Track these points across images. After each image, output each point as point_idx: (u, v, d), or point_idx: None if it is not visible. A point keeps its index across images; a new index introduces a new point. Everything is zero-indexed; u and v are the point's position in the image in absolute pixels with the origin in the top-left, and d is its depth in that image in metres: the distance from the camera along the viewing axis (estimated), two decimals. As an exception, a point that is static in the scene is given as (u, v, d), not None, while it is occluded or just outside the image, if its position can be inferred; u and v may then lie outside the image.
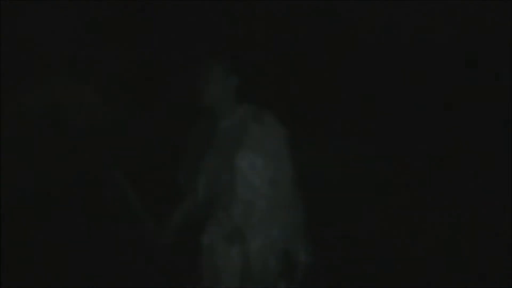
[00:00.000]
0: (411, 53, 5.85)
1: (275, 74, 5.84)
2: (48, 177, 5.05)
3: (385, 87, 5.85)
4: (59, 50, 5.88)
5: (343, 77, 5.91)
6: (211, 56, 2.63)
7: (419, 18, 5.91)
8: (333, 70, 5.92)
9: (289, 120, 2.71)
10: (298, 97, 5.79)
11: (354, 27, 5.97)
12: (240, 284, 2.60)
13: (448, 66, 5.79)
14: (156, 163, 4.95)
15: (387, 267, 4.01)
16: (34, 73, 5.82)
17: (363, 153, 5.37)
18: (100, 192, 4.56)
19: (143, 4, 6.01)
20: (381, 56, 5.89)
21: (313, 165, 4.50)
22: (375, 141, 5.46)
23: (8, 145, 5.30)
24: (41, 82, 5.81)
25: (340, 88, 5.87)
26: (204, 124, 2.74)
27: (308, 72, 5.90)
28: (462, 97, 5.67)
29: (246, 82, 2.66)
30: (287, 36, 6.00)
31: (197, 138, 2.74)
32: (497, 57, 5.64)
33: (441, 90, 5.75)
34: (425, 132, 5.59)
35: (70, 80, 5.88)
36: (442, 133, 5.50)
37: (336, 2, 6.00)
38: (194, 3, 6.02)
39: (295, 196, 2.64)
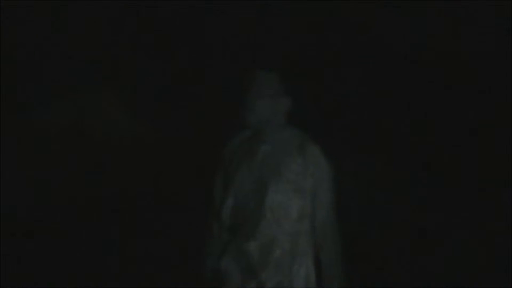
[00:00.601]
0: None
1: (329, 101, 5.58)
2: (73, 191, 5.00)
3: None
4: (86, 63, 5.81)
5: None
6: (269, 72, 2.43)
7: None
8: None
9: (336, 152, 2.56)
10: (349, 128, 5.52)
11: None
12: None
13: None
14: (182, 179, 4.90)
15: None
16: (60, 86, 5.74)
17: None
18: (125, 206, 4.70)
19: (176, 15, 5.88)
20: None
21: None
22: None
23: (32, 158, 5.28)
24: (67, 95, 5.77)
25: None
26: (242, 144, 2.53)
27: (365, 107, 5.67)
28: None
29: (298, 106, 2.46)
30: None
31: (231, 157, 2.54)
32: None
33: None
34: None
35: (96, 94, 5.85)
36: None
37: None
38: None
39: (328, 237, 2.44)
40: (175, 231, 4.39)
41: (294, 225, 2.40)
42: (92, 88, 5.82)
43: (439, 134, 5.38)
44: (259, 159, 2.43)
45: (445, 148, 5.29)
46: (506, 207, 4.57)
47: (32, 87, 5.71)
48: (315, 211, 2.41)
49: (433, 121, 5.47)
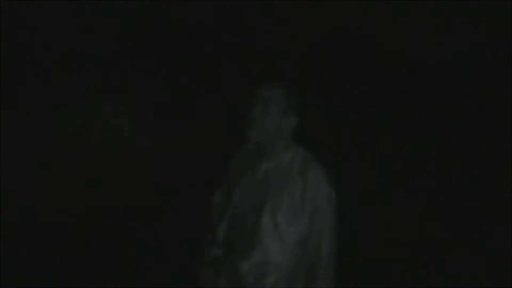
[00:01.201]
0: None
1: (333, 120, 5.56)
2: (78, 199, 5.00)
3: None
4: (92, 69, 5.82)
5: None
6: (277, 87, 2.34)
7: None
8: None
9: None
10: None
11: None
12: None
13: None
14: (184, 190, 4.87)
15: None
16: (66, 93, 5.74)
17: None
18: (126, 216, 4.68)
19: (183, 24, 5.87)
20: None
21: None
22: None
23: (33, 167, 5.26)
24: (69, 104, 5.77)
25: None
26: (246, 158, 2.47)
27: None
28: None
29: (303, 124, 2.40)
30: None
31: (235, 169, 2.49)
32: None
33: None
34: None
35: (102, 101, 5.84)
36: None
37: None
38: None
39: (326, 263, 2.37)
40: (176, 242, 4.37)
41: (291, 250, 2.35)
42: (94, 98, 5.81)
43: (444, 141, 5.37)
44: (260, 177, 2.37)
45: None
46: (506, 209, 4.59)
47: (34, 96, 5.68)
48: (310, 237, 2.34)
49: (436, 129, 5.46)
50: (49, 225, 4.66)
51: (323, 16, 5.72)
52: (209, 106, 5.62)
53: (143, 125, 5.75)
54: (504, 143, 5.11)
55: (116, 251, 4.39)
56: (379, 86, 5.59)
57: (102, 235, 4.56)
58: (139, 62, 5.88)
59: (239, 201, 2.40)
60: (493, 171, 4.99)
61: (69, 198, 4.99)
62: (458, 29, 5.60)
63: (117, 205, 4.88)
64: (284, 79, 2.42)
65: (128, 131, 5.75)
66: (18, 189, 4.99)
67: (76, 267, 4.24)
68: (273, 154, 2.37)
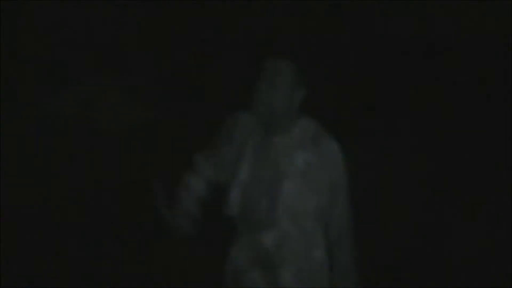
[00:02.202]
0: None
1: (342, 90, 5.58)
2: (80, 179, 5.00)
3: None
4: (92, 49, 5.83)
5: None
6: (284, 60, 2.26)
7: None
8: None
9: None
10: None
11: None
12: None
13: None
14: (186, 168, 4.91)
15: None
16: (67, 73, 5.78)
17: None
18: (132, 195, 4.57)
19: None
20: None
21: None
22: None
23: (38, 145, 5.28)
24: (74, 82, 5.79)
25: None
26: (255, 130, 2.36)
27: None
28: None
29: (312, 97, 2.34)
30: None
31: (240, 147, 2.38)
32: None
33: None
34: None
35: (102, 80, 5.85)
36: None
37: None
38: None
39: (344, 231, 2.38)
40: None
41: (310, 221, 2.32)
42: (95, 78, 5.82)
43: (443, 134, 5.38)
44: (273, 152, 2.30)
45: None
46: (507, 207, 4.56)
47: (35, 77, 5.72)
48: (330, 207, 2.33)
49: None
50: (50, 208, 4.65)
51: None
52: (210, 84, 5.60)
53: (144, 104, 5.74)
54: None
55: (118, 229, 4.40)
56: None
57: (103, 215, 4.56)
58: (139, 41, 5.88)
59: (252, 177, 2.33)
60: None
61: (70, 178, 4.99)
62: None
63: (119, 183, 4.89)
64: (286, 55, 2.31)
65: (128, 110, 5.74)
66: (19, 172, 5.00)
67: (76, 246, 4.24)
68: (282, 127, 2.30)
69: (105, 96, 5.79)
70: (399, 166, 5.05)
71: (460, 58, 5.64)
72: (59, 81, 5.72)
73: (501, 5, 5.58)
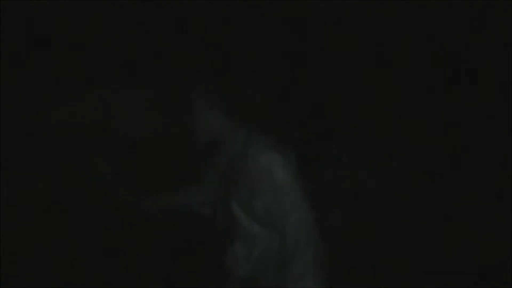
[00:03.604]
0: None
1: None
2: (97, 185, 4.71)
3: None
4: (111, 56, 5.85)
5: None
6: (203, 88, 2.44)
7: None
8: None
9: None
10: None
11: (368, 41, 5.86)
12: None
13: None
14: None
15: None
16: (85, 80, 5.75)
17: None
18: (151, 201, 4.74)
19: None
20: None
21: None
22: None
23: (55, 151, 5.22)
24: (91, 88, 5.71)
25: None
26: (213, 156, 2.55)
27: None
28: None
29: (238, 107, 2.41)
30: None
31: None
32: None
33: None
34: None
35: (121, 87, 5.79)
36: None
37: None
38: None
39: (301, 237, 2.34)
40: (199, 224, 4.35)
41: (265, 229, 2.39)
42: (114, 84, 5.76)
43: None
44: (221, 168, 2.48)
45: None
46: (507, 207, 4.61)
47: (52, 83, 5.73)
48: (279, 207, 2.35)
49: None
50: (66, 212, 4.66)
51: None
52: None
53: (161, 111, 5.66)
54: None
55: (133, 238, 4.43)
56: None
57: (119, 220, 4.47)
58: (155, 48, 5.91)
59: (217, 192, 2.51)
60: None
61: (87, 184, 4.93)
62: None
63: (134, 188, 4.78)
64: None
65: (150, 117, 5.73)
66: (35, 176, 5.01)
67: (87, 251, 4.27)
68: (227, 147, 2.46)
69: (123, 103, 5.77)
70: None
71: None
72: (75, 88, 5.74)
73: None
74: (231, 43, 5.78)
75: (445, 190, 4.99)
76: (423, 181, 5.11)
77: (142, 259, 4.20)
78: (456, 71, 5.67)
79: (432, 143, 5.41)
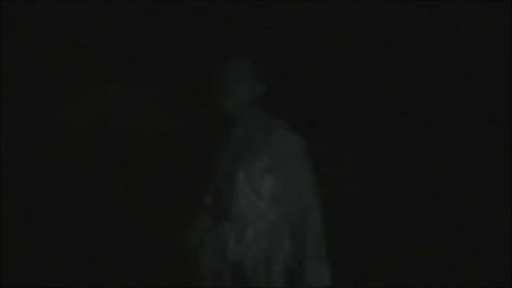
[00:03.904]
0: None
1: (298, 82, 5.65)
2: (98, 183, 5.02)
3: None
4: (112, 56, 5.89)
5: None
6: (244, 58, 2.42)
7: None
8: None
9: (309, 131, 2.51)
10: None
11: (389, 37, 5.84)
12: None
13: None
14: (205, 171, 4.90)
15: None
16: (86, 79, 5.81)
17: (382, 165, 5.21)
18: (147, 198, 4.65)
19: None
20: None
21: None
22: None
23: (58, 150, 5.30)
24: (93, 87, 5.81)
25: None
26: (222, 131, 2.53)
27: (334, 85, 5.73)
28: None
29: (270, 90, 2.45)
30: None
31: (217, 144, 2.55)
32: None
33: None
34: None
35: (122, 86, 5.88)
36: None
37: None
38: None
39: (307, 217, 2.37)
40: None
41: (269, 206, 2.38)
42: (114, 83, 5.85)
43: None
44: (232, 142, 2.45)
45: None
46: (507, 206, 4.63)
47: (55, 82, 5.74)
48: (288, 191, 2.37)
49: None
50: (69, 208, 4.68)
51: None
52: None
53: (163, 109, 5.79)
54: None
55: (139, 232, 4.42)
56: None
57: (123, 218, 4.59)
58: (157, 47, 5.91)
59: (218, 170, 2.48)
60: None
61: (90, 182, 5.04)
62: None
63: (138, 187, 4.91)
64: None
65: (148, 115, 5.79)
66: (38, 175, 5.04)
67: (92, 248, 4.25)
68: (242, 119, 2.45)
69: (125, 100, 5.84)
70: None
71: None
72: (79, 86, 5.78)
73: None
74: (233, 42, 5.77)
75: (445, 190, 5.02)
76: (423, 181, 5.14)
77: (140, 258, 4.17)
78: (456, 72, 5.67)
79: (433, 142, 5.43)
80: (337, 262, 2.46)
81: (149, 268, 3.95)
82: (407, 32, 5.78)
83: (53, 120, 5.61)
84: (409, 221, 4.60)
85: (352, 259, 3.91)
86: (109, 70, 5.86)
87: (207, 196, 2.57)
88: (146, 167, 5.15)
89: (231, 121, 2.46)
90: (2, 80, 5.55)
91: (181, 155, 5.20)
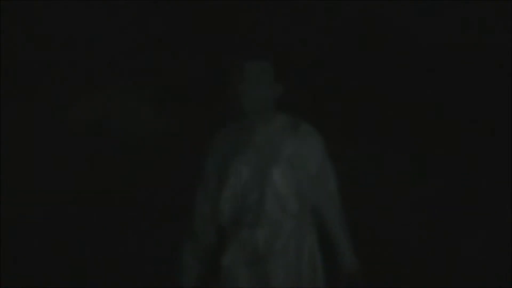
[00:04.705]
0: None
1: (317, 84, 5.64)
2: (95, 188, 4.97)
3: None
4: (110, 60, 5.83)
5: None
6: (260, 59, 2.40)
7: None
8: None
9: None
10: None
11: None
12: None
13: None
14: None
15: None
16: (84, 83, 5.76)
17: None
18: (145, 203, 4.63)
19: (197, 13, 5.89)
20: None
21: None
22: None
23: (56, 154, 5.26)
24: (90, 92, 5.77)
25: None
26: (235, 133, 2.48)
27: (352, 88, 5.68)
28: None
29: (288, 91, 2.45)
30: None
31: (223, 147, 2.48)
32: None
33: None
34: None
35: (119, 91, 5.85)
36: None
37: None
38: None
39: (332, 216, 2.44)
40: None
41: (297, 206, 2.38)
42: (112, 86, 5.83)
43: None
44: (254, 148, 2.40)
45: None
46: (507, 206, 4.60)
47: (52, 85, 5.71)
48: (314, 189, 2.39)
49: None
50: (67, 214, 4.65)
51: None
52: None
53: (162, 112, 5.76)
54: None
55: (136, 237, 4.41)
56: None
57: (121, 223, 4.55)
58: (156, 48, 5.89)
59: (239, 175, 2.41)
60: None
61: (88, 186, 5.00)
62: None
63: (136, 192, 4.90)
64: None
65: (147, 118, 5.76)
66: (37, 179, 5.01)
67: (88, 254, 4.25)
68: (262, 123, 2.42)
69: (122, 105, 5.82)
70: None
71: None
72: (76, 88, 5.75)
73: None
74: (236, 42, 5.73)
75: (445, 190, 4.97)
76: (423, 180, 5.10)
77: (145, 257, 4.24)
78: (456, 72, 5.67)
79: (433, 142, 5.38)
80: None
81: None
82: (407, 32, 5.76)
83: (52, 121, 5.60)
84: (408, 221, 4.59)
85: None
86: (107, 72, 5.85)
87: (225, 205, 2.44)
88: (143, 169, 5.15)
89: (248, 124, 2.42)
90: (1, 80, 5.55)
91: (178, 157, 5.17)
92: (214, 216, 2.49)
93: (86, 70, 5.81)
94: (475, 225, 4.53)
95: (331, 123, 5.36)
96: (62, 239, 4.35)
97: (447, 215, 4.68)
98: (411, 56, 5.70)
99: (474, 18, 5.69)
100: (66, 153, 5.31)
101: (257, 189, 2.37)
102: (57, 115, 5.65)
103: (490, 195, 4.76)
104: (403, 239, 4.40)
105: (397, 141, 5.32)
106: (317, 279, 2.47)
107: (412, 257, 4.25)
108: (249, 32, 5.80)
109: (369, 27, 5.85)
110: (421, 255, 4.29)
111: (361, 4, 5.91)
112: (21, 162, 5.10)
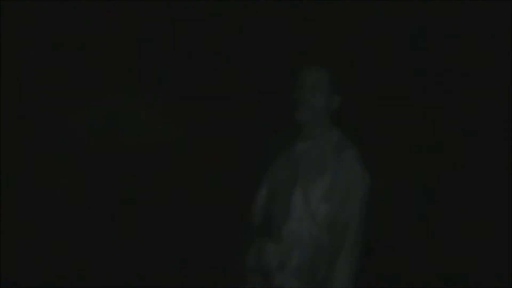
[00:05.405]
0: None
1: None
2: (104, 192, 5.04)
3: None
4: (118, 66, 5.89)
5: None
6: (322, 69, 2.28)
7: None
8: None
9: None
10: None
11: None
12: None
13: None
14: (215, 180, 4.93)
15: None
16: (92, 89, 5.81)
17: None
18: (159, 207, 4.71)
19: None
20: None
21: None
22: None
23: (65, 162, 5.30)
24: (100, 100, 5.83)
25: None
26: (286, 140, 2.36)
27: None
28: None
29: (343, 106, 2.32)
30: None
31: (274, 152, 2.38)
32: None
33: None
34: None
35: (127, 97, 5.89)
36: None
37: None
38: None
39: (354, 245, 2.26)
40: (210, 230, 4.39)
41: (320, 230, 2.25)
42: (125, 93, 5.86)
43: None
44: (296, 155, 2.30)
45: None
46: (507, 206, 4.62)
47: (65, 92, 5.75)
48: (339, 219, 2.24)
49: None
50: (79, 220, 4.68)
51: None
52: (238, 99, 5.64)
53: (173, 120, 5.76)
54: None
55: (150, 240, 4.42)
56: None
57: (135, 226, 4.58)
58: (167, 57, 5.91)
59: (274, 179, 2.33)
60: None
61: (100, 192, 5.04)
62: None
63: (150, 196, 4.93)
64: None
65: (157, 125, 5.78)
66: (51, 185, 5.03)
67: (103, 257, 4.27)
68: (311, 133, 2.31)
69: (134, 111, 5.84)
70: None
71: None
72: (85, 97, 5.78)
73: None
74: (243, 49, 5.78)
75: (446, 192, 5.03)
76: (423, 182, 5.16)
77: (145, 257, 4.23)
78: (456, 74, 5.71)
79: (433, 145, 5.45)
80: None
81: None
82: (407, 32, 5.77)
83: (57, 129, 5.62)
84: (409, 223, 4.63)
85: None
86: (114, 79, 5.89)
87: (257, 214, 2.38)
88: (148, 177, 5.19)
89: (299, 132, 2.32)
90: (5, 89, 5.59)
91: (183, 164, 5.22)
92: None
93: (96, 80, 5.86)
94: (475, 225, 4.55)
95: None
96: (62, 239, 4.37)
97: (447, 215, 4.73)
98: (411, 57, 5.75)
99: (474, 18, 5.72)
100: (70, 160, 5.35)
101: (283, 199, 2.29)
102: (70, 121, 5.72)
103: (490, 195, 4.79)
104: (403, 239, 4.44)
105: (397, 142, 5.37)
106: None
107: (412, 257, 4.27)
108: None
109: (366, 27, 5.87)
110: (421, 255, 4.31)
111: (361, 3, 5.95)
112: (22, 170, 5.15)
